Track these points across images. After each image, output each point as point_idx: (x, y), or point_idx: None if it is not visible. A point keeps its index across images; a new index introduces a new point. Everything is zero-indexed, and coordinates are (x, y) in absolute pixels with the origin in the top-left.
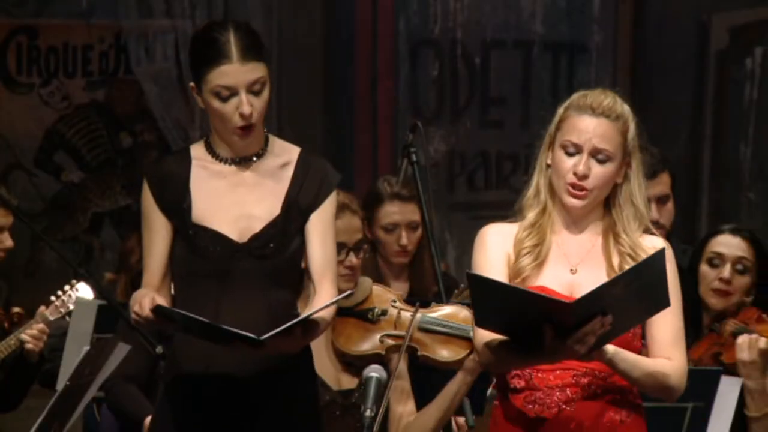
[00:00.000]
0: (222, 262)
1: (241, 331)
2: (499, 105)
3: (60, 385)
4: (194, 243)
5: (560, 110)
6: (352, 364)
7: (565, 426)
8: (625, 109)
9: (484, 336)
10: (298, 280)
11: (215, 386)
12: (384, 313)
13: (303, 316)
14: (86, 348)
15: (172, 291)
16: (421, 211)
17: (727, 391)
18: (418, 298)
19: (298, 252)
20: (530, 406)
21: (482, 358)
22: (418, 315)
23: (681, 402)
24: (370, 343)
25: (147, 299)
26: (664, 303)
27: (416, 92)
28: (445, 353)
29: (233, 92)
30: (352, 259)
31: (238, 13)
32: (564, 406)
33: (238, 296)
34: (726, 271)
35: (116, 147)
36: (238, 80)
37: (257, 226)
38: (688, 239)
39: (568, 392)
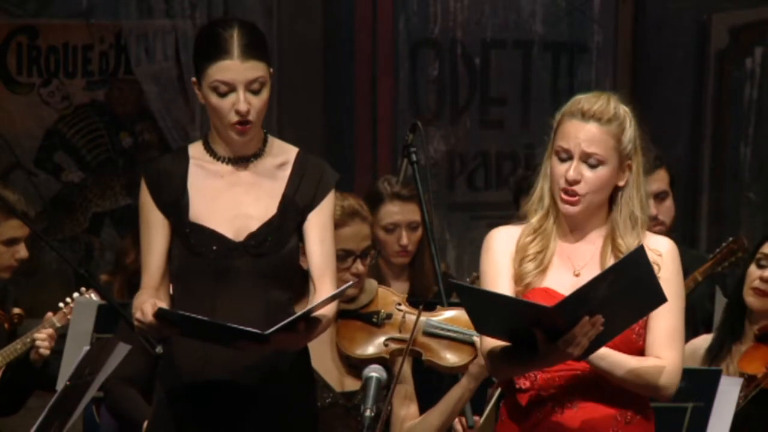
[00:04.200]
0: (219, 261)
1: (245, 327)
2: (499, 105)
3: (60, 385)
4: (191, 241)
5: (557, 116)
6: (356, 366)
7: (570, 426)
8: (621, 111)
9: (489, 343)
10: (296, 280)
11: (212, 385)
12: (389, 316)
13: (305, 310)
14: (86, 348)
15: (171, 291)
16: (421, 211)
17: (727, 391)
18: (421, 299)
19: (295, 251)
20: (536, 406)
21: (488, 366)
22: (423, 319)
23: (681, 402)
24: (374, 347)
25: (148, 305)
26: (659, 299)
27: (416, 92)
28: (449, 358)
29: (231, 88)
30: (359, 266)
31: (238, 13)
32: (569, 406)
33: (235, 295)
34: None
35: (116, 147)
36: (236, 77)
37: (253, 226)
38: (688, 239)
39: (573, 391)
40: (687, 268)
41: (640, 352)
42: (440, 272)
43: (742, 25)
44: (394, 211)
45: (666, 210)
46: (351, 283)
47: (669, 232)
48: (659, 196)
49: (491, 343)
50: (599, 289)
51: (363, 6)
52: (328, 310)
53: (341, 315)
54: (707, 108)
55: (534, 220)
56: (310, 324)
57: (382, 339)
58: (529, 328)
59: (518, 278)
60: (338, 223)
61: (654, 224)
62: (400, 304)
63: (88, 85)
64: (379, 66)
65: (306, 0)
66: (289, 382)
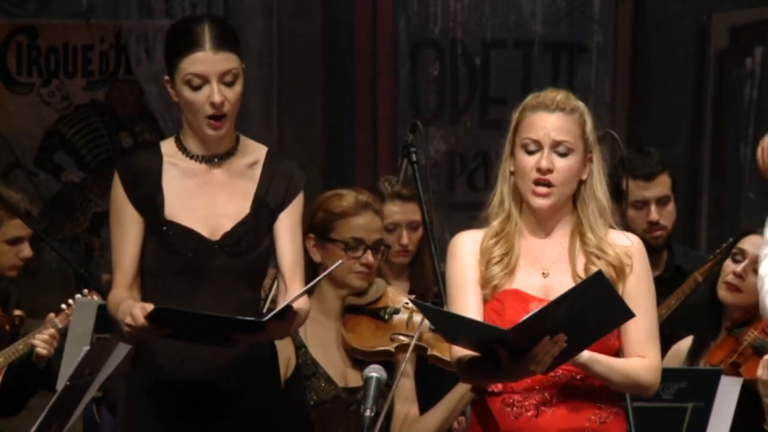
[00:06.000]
0: (196, 259)
1: (242, 317)
2: (499, 105)
3: (60, 385)
4: (168, 240)
5: (515, 115)
6: (361, 361)
7: (544, 428)
8: (579, 103)
9: (459, 351)
10: (263, 280)
11: (188, 383)
12: (396, 312)
13: (292, 297)
14: (86, 348)
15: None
16: (421, 211)
17: (727, 391)
18: (425, 300)
19: (268, 250)
20: (508, 409)
21: (457, 373)
22: None
23: (681, 402)
24: (380, 340)
25: (137, 309)
26: (625, 315)
27: (416, 92)
28: None
29: (205, 81)
30: (369, 257)
31: (238, 13)
32: (542, 408)
33: (210, 294)
34: (741, 266)
35: (116, 147)
36: (209, 69)
37: (227, 225)
38: (688, 240)
39: (546, 394)
40: (687, 269)
41: (615, 350)
42: (440, 272)
43: (742, 25)
44: (394, 211)
45: (668, 214)
46: (339, 262)
47: (669, 236)
48: (662, 201)
49: (461, 351)
50: (557, 311)
51: (363, 6)
52: (303, 304)
53: (349, 309)
54: (707, 108)
55: (495, 223)
56: (293, 315)
57: (388, 333)
58: (492, 346)
59: (485, 282)
60: (351, 212)
61: (656, 229)
62: (407, 303)
63: (88, 85)
64: (379, 66)
65: (306, 0)
66: (262, 378)
